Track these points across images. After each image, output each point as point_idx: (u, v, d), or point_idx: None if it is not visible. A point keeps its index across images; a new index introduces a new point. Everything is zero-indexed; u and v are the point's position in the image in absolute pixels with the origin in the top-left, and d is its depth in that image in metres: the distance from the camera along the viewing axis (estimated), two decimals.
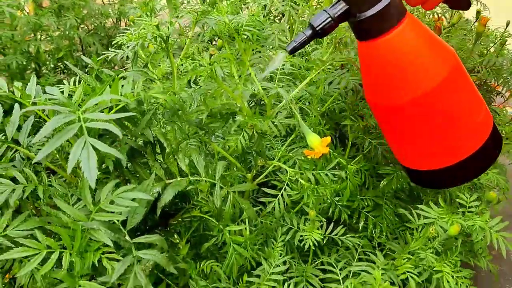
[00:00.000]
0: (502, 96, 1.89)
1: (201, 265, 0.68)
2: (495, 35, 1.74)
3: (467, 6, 0.72)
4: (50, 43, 1.97)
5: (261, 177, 0.74)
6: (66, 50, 1.99)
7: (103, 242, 0.50)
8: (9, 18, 1.67)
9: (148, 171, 0.63)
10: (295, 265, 0.74)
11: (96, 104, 0.51)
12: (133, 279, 0.51)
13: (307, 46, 0.74)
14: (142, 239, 0.55)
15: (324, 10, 0.59)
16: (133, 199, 0.53)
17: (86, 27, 2.29)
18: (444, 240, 0.67)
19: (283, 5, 0.88)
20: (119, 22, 2.65)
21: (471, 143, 0.65)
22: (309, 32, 0.59)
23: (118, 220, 0.54)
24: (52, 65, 1.97)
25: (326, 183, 0.68)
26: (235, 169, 0.72)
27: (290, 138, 0.75)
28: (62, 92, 0.60)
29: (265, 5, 0.96)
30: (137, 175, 0.63)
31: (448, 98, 0.62)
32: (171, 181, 0.62)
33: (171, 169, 0.62)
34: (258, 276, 0.70)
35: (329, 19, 0.59)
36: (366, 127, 0.78)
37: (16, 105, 0.58)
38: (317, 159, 0.67)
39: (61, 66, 2.05)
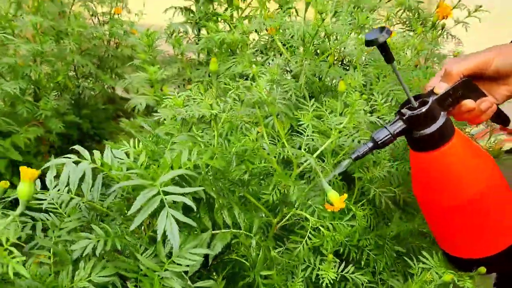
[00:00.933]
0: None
1: None
2: None
3: (507, 123, 0.86)
4: (48, 66, 2.03)
5: (283, 221, 0.86)
6: (64, 73, 2.05)
7: None
8: (13, 46, 1.72)
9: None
10: None
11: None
12: None
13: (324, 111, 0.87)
14: (201, 283, 0.65)
15: (385, 127, 0.72)
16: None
17: (79, 49, 2.34)
18: (439, 285, 0.80)
19: (296, 67, 1.01)
20: (109, 43, 2.71)
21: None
22: (371, 144, 0.72)
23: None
24: (51, 88, 2.02)
25: (341, 231, 0.80)
26: (263, 215, 0.83)
27: (308, 187, 0.86)
28: (127, 155, 0.70)
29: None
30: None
31: (490, 198, 0.74)
32: (217, 232, 0.73)
33: (217, 221, 0.73)
34: None
35: (389, 135, 0.71)
36: (372, 177, 0.91)
37: (88, 168, 0.68)
38: (335, 212, 0.80)
39: (59, 88, 2.10)
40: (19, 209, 0.55)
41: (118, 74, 2.74)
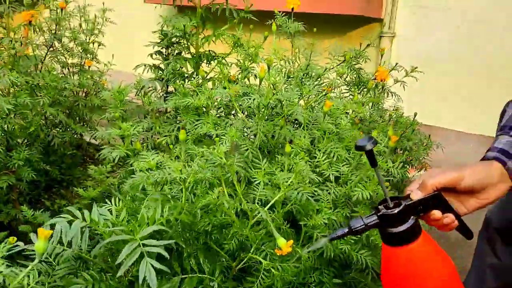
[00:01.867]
0: (416, 168, 2.34)
1: None
2: (407, 122, 2.19)
3: (470, 236, 0.95)
4: (21, 118, 2.13)
5: (241, 264, 1.01)
6: (36, 125, 2.15)
7: None
8: None
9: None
10: None
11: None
12: None
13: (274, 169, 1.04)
14: None
15: (361, 217, 0.82)
16: None
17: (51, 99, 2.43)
18: None
19: (252, 129, 1.19)
20: (79, 93, 2.84)
21: None
22: (346, 230, 0.81)
23: None
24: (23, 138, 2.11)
25: (289, 271, 0.96)
26: (224, 260, 0.98)
27: (262, 235, 1.02)
28: (111, 212, 0.84)
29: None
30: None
31: None
32: (185, 276, 0.87)
33: (186, 267, 0.87)
34: None
35: (363, 225, 0.81)
36: (314, 224, 1.08)
37: (76, 223, 0.81)
38: (284, 256, 0.96)
39: (31, 138, 2.19)
40: (36, 260, 0.68)
41: (86, 121, 2.86)
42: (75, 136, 2.81)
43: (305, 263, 1.03)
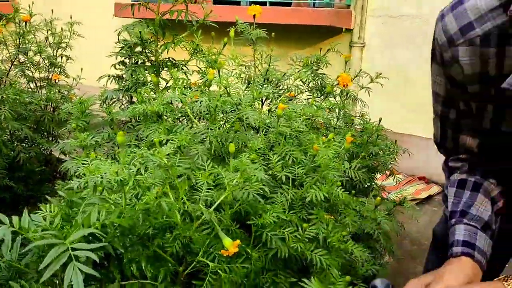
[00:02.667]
0: (383, 173, 2.34)
1: None
2: (373, 128, 2.20)
3: None
4: None
5: (188, 268, 0.98)
6: None
7: None
8: None
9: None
10: None
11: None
12: None
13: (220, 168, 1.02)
14: None
15: None
16: None
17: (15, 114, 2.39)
18: None
19: (203, 133, 1.18)
20: (46, 107, 2.79)
21: None
22: None
23: None
24: None
25: (238, 272, 0.94)
26: (170, 265, 0.95)
27: (211, 237, 1.00)
28: (44, 219, 0.81)
29: None
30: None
31: None
32: (125, 282, 0.84)
33: (126, 273, 0.84)
34: None
35: None
36: (263, 223, 1.06)
37: (8, 232, 0.78)
38: (231, 256, 0.94)
39: None
40: None
41: (54, 136, 2.81)
42: (44, 151, 2.75)
43: (256, 264, 1.01)
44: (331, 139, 1.33)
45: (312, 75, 1.68)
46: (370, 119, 2.28)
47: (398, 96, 3.55)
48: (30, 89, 2.75)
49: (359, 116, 2.30)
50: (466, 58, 0.84)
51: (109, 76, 2.26)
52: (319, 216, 1.17)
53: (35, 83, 2.81)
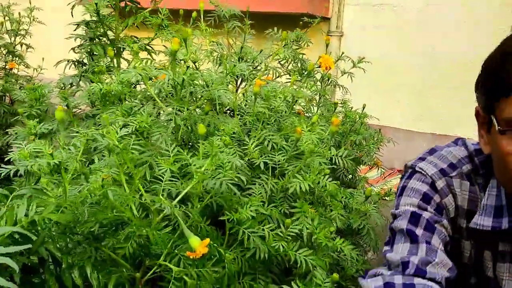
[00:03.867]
0: (367, 164, 2.21)
1: None
2: (355, 116, 2.06)
3: None
4: None
5: (148, 274, 0.80)
6: None
7: None
8: None
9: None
10: None
11: None
12: None
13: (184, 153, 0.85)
14: None
15: None
16: None
17: None
18: None
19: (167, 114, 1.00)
20: (3, 99, 2.55)
21: None
22: None
23: None
24: None
25: (208, 277, 0.77)
26: (124, 270, 0.77)
27: (175, 236, 0.83)
28: None
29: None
30: None
31: None
32: None
33: (66, 283, 0.66)
34: None
35: None
36: (240, 218, 0.89)
37: None
38: (199, 258, 0.77)
39: None
40: None
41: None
42: (1, 148, 2.51)
43: (230, 267, 0.84)
44: (315, 121, 1.17)
45: (292, 54, 1.52)
46: (352, 107, 2.15)
47: (377, 86, 3.44)
48: None
49: (341, 103, 2.16)
50: (459, 190, 0.85)
51: (68, 61, 2.05)
52: (303, 210, 1.01)
53: None
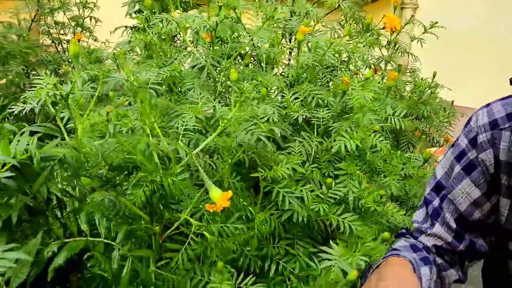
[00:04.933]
0: (437, 142, 1.99)
1: None
2: (425, 85, 1.85)
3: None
4: None
5: (169, 230, 0.72)
6: (11, 97, 1.94)
7: None
8: None
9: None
10: None
11: None
12: None
13: (213, 101, 0.75)
14: None
15: None
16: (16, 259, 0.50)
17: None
18: (345, 286, 0.67)
19: (205, 60, 0.90)
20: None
21: None
22: None
23: (2, 281, 0.51)
24: None
25: (231, 235, 0.67)
26: (142, 222, 0.70)
27: (200, 192, 0.74)
28: None
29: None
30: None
31: None
32: (69, 240, 0.60)
33: (71, 229, 0.60)
34: None
35: None
36: (275, 176, 0.78)
37: None
38: (220, 213, 0.67)
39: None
40: None
41: None
42: None
43: (261, 228, 0.74)
44: (370, 77, 1.03)
45: (352, 11, 1.35)
46: (422, 78, 1.93)
47: (451, 61, 3.13)
48: (57, 52, 2.59)
49: (409, 71, 1.95)
50: (505, 144, 0.80)
51: (125, 27, 2.04)
52: (349, 172, 0.87)
53: (61, 45, 2.64)
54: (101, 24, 2.81)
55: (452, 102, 1.97)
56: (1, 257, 0.48)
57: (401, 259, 0.78)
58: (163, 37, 1.09)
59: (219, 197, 0.64)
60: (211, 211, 0.65)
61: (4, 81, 1.95)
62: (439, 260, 0.87)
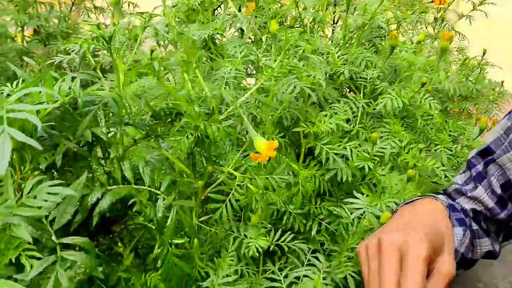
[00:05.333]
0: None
1: (146, 277, 0.63)
2: (474, 63, 1.75)
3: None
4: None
5: (212, 186, 0.70)
6: None
7: (24, 240, 0.46)
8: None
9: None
10: (247, 275, 0.69)
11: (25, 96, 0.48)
12: (54, 279, 0.47)
13: (254, 53, 0.72)
14: (68, 239, 0.50)
15: None
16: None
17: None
18: None
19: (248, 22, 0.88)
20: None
21: None
22: None
23: (46, 220, 0.50)
24: None
25: (275, 189, 0.64)
26: (185, 176, 0.68)
27: (245, 146, 0.71)
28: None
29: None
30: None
31: None
32: (113, 187, 0.58)
33: (115, 176, 0.58)
34: None
35: None
36: (319, 132, 0.74)
37: None
38: (265, 163, 0.64)
39: None
40: None
41: None
42: None
43: (305, 184, 0.70)
44: (421, 40, 0.97)
45: None
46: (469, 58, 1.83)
47: (499, 42, 2.97)
48: None
49: (456, 50, 1.86)
50: None
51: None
52: (394, 131, 0.82)
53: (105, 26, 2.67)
54: (139, 9, 2.84)
55: (502, 82, 1.86)
56: (48, 192, 0.47)
57: (438, 202, 0.71)
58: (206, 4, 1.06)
59: (265, 147, 0.61)
60: (255, 163, 0.62)
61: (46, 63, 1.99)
62: (474, 226, 0.81)
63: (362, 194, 0.69)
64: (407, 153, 0.79)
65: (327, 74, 0.87)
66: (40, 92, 0.50)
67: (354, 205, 0.67)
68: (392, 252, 0.55)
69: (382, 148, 0.78)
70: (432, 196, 0.72)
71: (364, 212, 0.65)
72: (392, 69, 0.93)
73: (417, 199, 0.70)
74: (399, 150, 0.78)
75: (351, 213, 0.67)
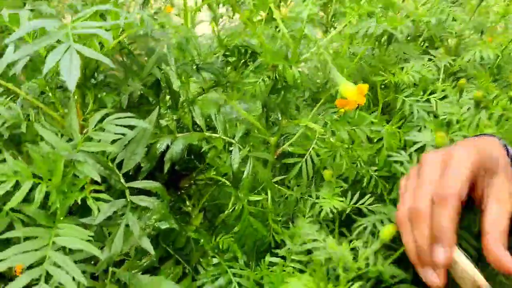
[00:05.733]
0: None
1: (216, 239, 0.56)
2: None
3: None
4: None
5: (287, 144, 0.62)
6: None
7: (91, 179, 0.40)
8: None
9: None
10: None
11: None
12: (124, 227, 0.40)
13: None
14: (138, 183, 0.43)
15: None
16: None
17: None
18: None
19: None
20: None
21: None
22: None
23: (113, 164, 0.44)
24: None
25: (361, 144, 0.55)
26: (256, 131, 0.60)
27: (321, 101, 0.63)
28: None
29: None
30: None
31: None
32: (182, 134, 0.51)
33: (184, 122, 0.51)
34: (282, 257, 0.57)
35: None
36: (399, 82, 0.65)
37: None
38: (352, 111, 0.56)
39: None
40: None
41: None
42: None
43: (389, 140, 0.61)
44: None
45: None
46: None
47: None
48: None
49: None
50: None
51: None
52: (481, 86, 0.72)
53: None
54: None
55: None
56: (117, 124, 0.41)
57: (496, 140, 0.57)
58: None
59: (353, 92, 0.52)
60: (340, 107, 0.53)
61: None
62: None
63: None
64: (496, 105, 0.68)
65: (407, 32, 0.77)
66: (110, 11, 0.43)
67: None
68: (432, 160, 0.44)
69: (470, 99, 0.68)
70: (493, 135, 0.60)
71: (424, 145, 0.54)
72: (480, 26, 0.82)
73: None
74: (487, 103, 0.67)
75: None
